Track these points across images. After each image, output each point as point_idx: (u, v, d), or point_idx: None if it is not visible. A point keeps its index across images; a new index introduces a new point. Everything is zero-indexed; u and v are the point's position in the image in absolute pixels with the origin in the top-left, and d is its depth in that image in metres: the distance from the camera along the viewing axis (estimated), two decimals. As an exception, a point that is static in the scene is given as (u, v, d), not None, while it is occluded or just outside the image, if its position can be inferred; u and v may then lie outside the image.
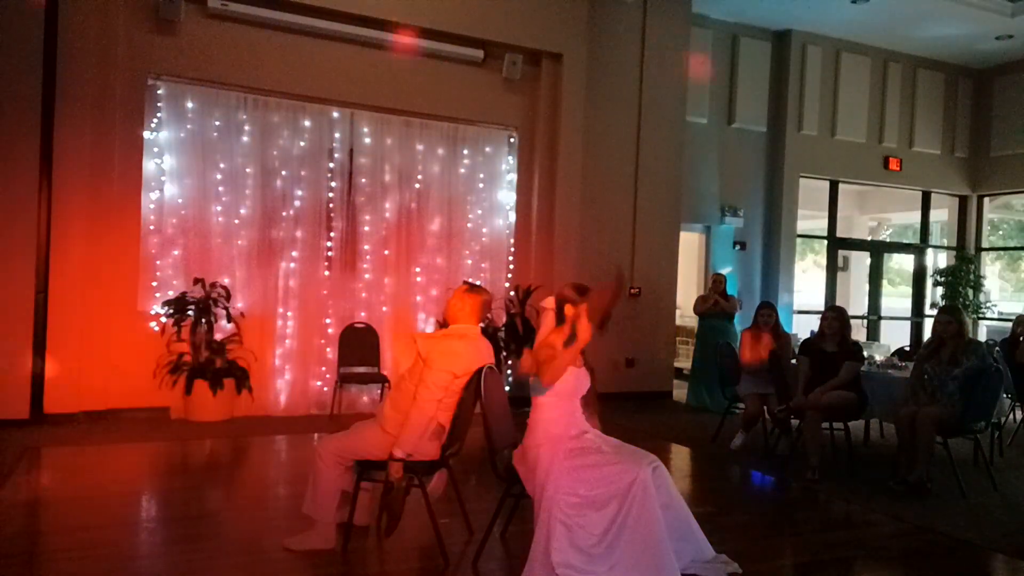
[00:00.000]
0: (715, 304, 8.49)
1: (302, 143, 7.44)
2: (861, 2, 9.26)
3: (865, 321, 11.45)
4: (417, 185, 7.93)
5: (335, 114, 7.60)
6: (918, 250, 12.17)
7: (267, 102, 7.32)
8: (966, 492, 5.28)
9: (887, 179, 11.26)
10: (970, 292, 11.44)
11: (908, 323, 12.07)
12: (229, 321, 6.90)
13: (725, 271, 9.31)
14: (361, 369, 7.33)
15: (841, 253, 11.84)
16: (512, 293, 8.16)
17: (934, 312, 7.19)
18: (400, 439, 3.63)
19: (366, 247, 7.73)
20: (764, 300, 7.61)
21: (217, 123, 7.14)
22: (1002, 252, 14.93)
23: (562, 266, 8.31)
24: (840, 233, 11.60)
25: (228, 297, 6.92)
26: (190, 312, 6.76)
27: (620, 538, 3.29)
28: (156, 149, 7.00)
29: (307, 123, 7.46)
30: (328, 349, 7.53)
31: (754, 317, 6.87)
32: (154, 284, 6.96)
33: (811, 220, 12.00)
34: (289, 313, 7.43)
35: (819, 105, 10.56)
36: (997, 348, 7.31)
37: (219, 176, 7.15)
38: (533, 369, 3.52)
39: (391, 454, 3.62)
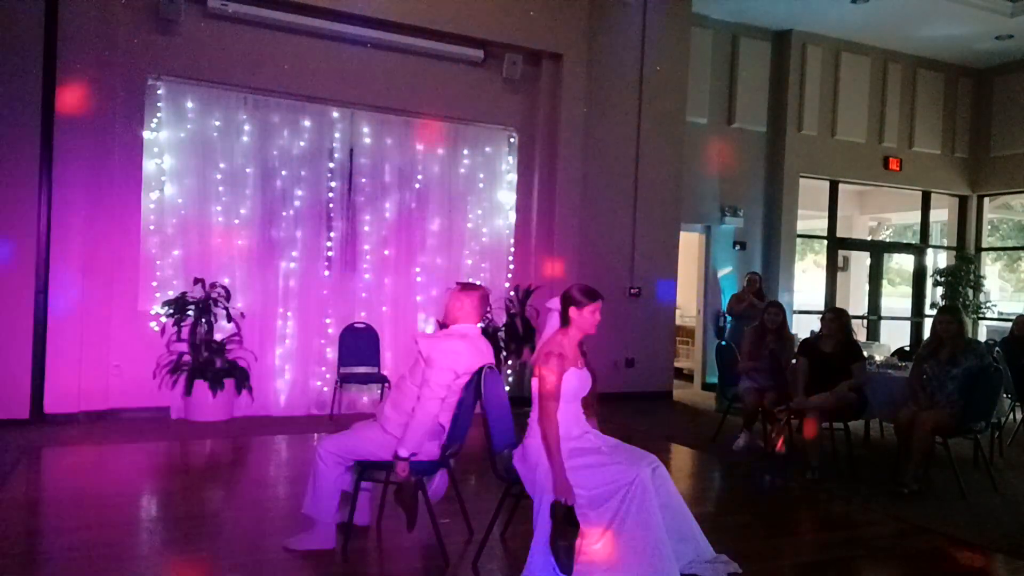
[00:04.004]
0: (750, 305, 8.46)
1: (302, 143, 7.44)
2: (861, 2, 9.25)
3: (865, 321, 11.45)
4: (417, 185, 7.93)
5: (335, 114, 7.60)
6: (918, 250, 12.16)
7: (267, 102, 7.32)
8: (966, 492, 5.28)
9: (887, 179, 11.25)
10: (970, 292, 11.43)
11: (908, 323, 12.07)
12: (229, 321, 6.90)
13: (725, 271, 9.31)
14: (361, 369, 7.33)
15: (841, 253, 11.83)
16: (512, 293, 8.16)
17: (934, 312, 7.18)
18: (404, 438, 3.64)
19: (366, 247, 7.73)
20: (771, 300, 7.59)
21: (217, 123, 7.14)
22: (1002, 252, 14.92)
23: (562, 266, 8.31)
24: (840, 233, 11.59)
25: (228, 297, 6.92)
26: (190, 312, 6.77)
27: (619, 538, 3.29)
28: (156, 149, 7.00)
29: (307, 123, 7.46)
30: (328, 349, 7.53)
31: (760, 316, 6.86)
32: (154, 284, 6.96)
33: (811, 220, 11.99)
34: (289, 313, 7.43)
35: (819, 105, 10.55)
36: (997, 348, 7.31)
37: (219, 176, 7.15)
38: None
39: (396, 453, 3.62)
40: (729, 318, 8.97)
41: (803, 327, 9.63)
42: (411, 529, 3.69)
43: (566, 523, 3.26)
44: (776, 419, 6.23)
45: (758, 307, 8.45)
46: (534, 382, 3.59)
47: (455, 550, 3.89)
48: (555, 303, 3.68)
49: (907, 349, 8.04)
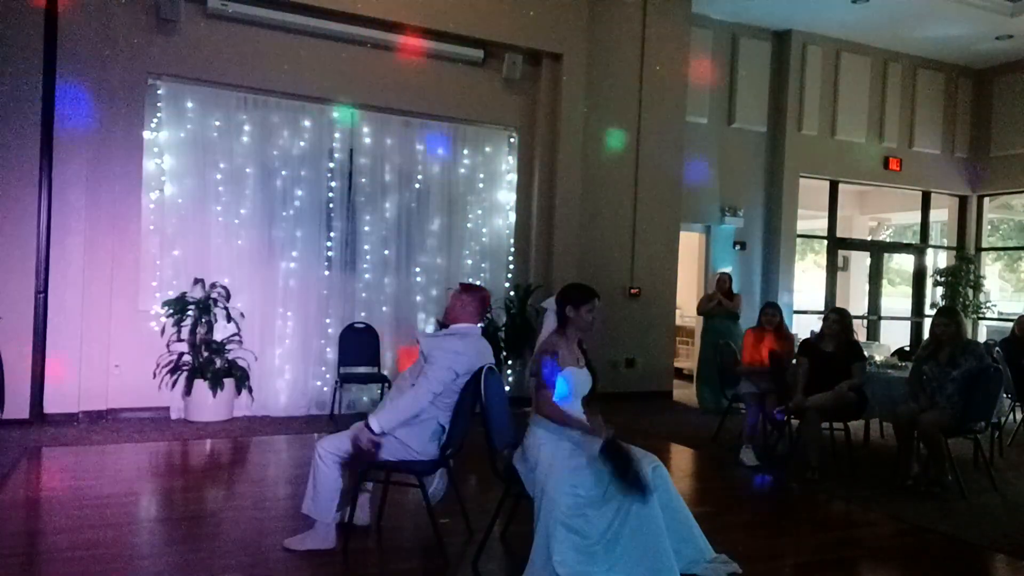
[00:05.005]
0: (718, 304, 8.48)
1: (302, 143, 7.44)
2: (861, 2, 9.25)
3: (865, 321, 11.45)
4: (417, 185, 7.93)
5: (335, 114, 7.60)
6: (918, 250, 12.16)
7: (267, 102, 7.32)
8: (966, 492, 5.28)
9: (887, 179, 11.25)
10: (970, 292, 11.43)
11: (908, 323, 12.07)
12: (229, 321, 6.90)
13: (725, 271, 9.29)
14: (361, 369, 7.33)
15: (841, 253, 11.83)
16: (512, 293, 8.16)
17: (934, 312, 7.18)
18: (382, 413, 3.68)
19: (366, 247, 7.73)
20: (769, 300, 7.56)
21: (217, 123, 7.14)
22: (1002, 252, 14.92)
23: (562, 266, 8.31)
24: (840, 233, 11.60)
25: (228, 297, 6.92)
26: (190, 312, 6.76)
27: (620, 537, 3.29)
28: (156, 149, 7.00)
29: (307, 123, 7.46)
30: (328, 349, 7.53)
31: (759, 317, 6.85)
32: (154, 284, 6.96)
33: (811, 220, 11.99)
34: (289, 313, 7.43)
35: (819, 105, 10.55)
36: (997, 348, 7.30)
37: (219, 176, 7.15)
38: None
39: (366, 422, 3.68)
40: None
41: (803, 327, 9.63)
42: (352, 466, 3.75)
43: (620, 455, 3.32)
44: (775, 421, 6.22)
45: (727, 307, 8.47)
46: (535, 382, 3.59)
47: (455, 550, 3.89)
48: (551, 303, 3.68)
49: (907, 349, 8.03)
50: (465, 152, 8.17)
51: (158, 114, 6.97)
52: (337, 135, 7.62)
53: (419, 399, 3.72)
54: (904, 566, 4.17)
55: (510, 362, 8.03)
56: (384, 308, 7.81)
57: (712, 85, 9.96)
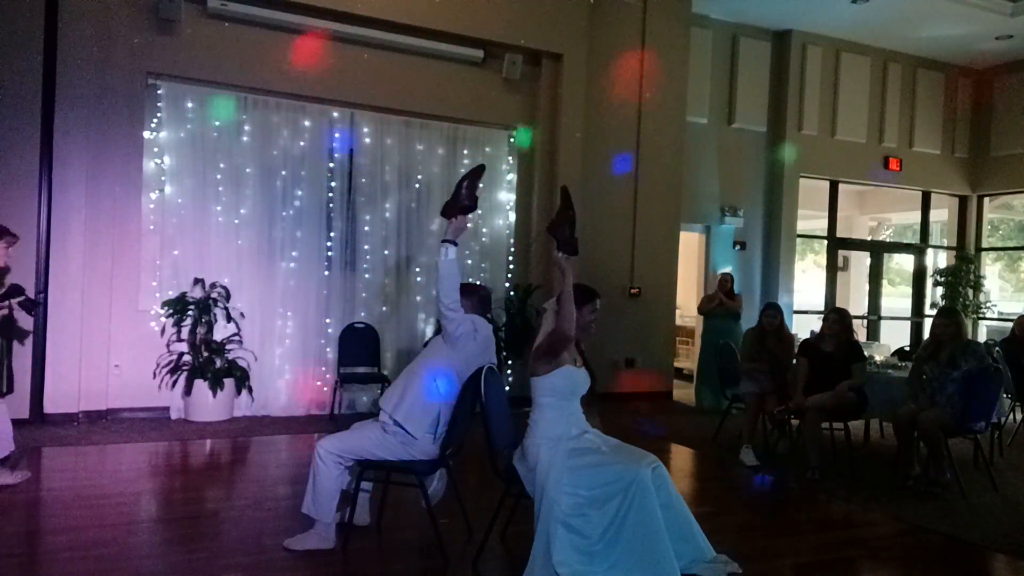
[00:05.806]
0: (719, 303, 8.49)
1: (302, 143, 7.43)
2: (861, 2, 9.26)
3: (865, 321, 11.45)
4: (417, 185, 7.93)
5: (335, 114, 7.60)
6: (918, 250, 12.16)
7: (267, 102, 7.32)
8: (966, 492, 5.28)
9: (887, 179, 11.26)
10: (970, 292, 11.44)
11: (908, 323, 12.07)
12: (229, 321, 6.90)
13: (725, 271, 9.30)
14: (361, 369, 7.33)
15: (841, 253, 11.83)
16: (512, 293, 8.15)
17: (934, 312, 7.19)
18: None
19: (366, 247, 7.73)
20: (769, 301, 7.56)
21: (217, 123, 7.14)
22: (1002, 252, 14.92)
23: (562, 266, 8.29)
24: (840, 233, 11.60)
25: (228, 297, 6.92)
26: (190, 312, 6.76)
27: (620, 537, 3.29)
28: (156, 149, 7.00)
29: (307, 123, 7.46)
30: (328, 349, 7.53)
31: (759, 318, 6.85)
32: (154, 284, 6.96)
33: (811, 220, 12.00)
34: (289, 313, 7.43)
35: (819, 105, 10.55)
36: (997, 348, 7.30)
37: (219, 176, 7.14)
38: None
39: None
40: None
41: (803, 327, 9.63)
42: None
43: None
44: (777, 421, 6.21)
45: (728, 306, 8.48)
46: (533, 381, 3.59)
47: (455, 550, 3.89)
48: (553, 303, 3.68)
49: (907, 349, 8.04)
50: (465, 152, 8.16)
51: (158, 114, 6.97)
52: (337, 135, 7.62)
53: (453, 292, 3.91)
54: (904, 566, 4.18)
55: (510, 362, 8.03)
56: (384, 308, 7.81)
57: (712, 85, 9.96)
